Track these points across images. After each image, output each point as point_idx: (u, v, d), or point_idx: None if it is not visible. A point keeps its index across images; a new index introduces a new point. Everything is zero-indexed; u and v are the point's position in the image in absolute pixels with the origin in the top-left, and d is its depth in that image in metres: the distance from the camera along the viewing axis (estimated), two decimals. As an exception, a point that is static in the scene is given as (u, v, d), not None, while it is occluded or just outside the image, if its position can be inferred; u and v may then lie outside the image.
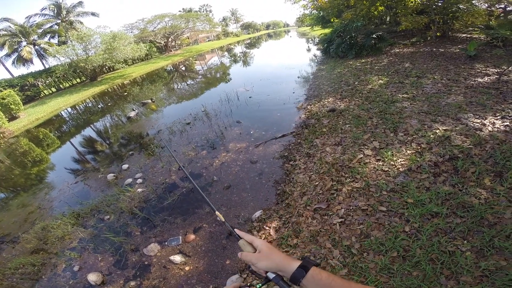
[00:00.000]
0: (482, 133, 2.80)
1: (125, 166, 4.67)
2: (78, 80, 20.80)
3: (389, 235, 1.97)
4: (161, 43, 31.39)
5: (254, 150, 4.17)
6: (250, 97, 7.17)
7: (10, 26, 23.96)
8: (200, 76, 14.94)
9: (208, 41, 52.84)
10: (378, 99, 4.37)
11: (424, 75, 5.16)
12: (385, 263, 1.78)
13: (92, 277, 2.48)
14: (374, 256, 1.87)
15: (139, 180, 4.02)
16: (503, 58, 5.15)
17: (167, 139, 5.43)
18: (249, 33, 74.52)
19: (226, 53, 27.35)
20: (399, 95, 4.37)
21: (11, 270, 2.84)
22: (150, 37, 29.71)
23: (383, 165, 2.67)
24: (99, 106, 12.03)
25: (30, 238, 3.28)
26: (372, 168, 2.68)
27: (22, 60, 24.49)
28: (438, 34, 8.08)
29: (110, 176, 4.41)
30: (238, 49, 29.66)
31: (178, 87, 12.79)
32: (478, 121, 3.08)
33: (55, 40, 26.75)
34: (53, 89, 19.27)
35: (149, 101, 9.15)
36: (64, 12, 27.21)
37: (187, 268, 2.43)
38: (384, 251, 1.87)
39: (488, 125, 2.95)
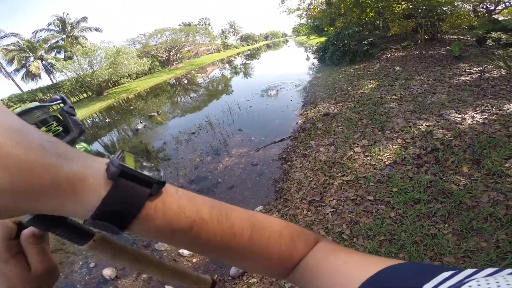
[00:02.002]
0: (462, 126, 3.07)
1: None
2: (85, 95, 21.56)
3: (376, 221, 2.17)
4: (163, 57, 32.46)
5: (255, 154, 4.48)
6: (250, 107, 7.54)
7: (18, 41, 24.75)
8: (203, 89, 15.48)
9: (209, 53, 54.27)
10: (368, 102, 4.68)
11: (412, 77, 5.48)
12: (373, 247, 1.95)
13: (107, 272, 2.67)
14: (363, 241, 2.06)
15: (150, 185, 4.34)
16: (478, 57, 5.48)
17: (174, 148, 5.78)
18: (248, 45, 76.37)
19: (226, 65, 28.14)
20: (388, 97, 4.68)
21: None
22: (152, 51, 30.78)
23: (371, 160, 2.96)
24: (106, 120, 12.52)
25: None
26: (361, 163, 2.96)
27: (31, 75, 25.35)
28: (426, 37, 8.44)
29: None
30: (238, 61, 30.49)
31: (182, 100, 13.30)
32: (459, 116, 3.35)
33: (61, 55, 27.60)
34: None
35: (155, 113, 9.59)
36: (69, 27, 28.15)
37: (194, 259, 2.64)
38: (372, 236, 2.06)
39: (468, 119, 3.22)
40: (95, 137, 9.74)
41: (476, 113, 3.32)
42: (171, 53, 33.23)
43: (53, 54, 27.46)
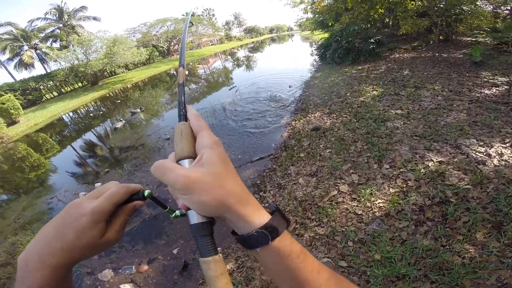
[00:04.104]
0: (486, 167, 2.29)
1: (98, 185, 4.36)
2: (80, 84, 20.94)
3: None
4: (163, 47, 31.50)
5: (227, 174, 3.75)
6: (235, 110, 6.76)
7: (12, 30, 24.16)
8: (197, 83, 14.69)
9: (211, 45, 52.92)
10: (367, 116, 3.88)
11: (423, 85, 4.64)
12: None
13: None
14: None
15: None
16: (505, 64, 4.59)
17: (144, 157, 5.09)
18: (252, 37, 74.41)
19: (229, 57, 27.18)
20: (392, 110, 3.87)
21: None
22: (153, 41, 29.85)
23: (357, 206, 2.21)
24: (91, 115, 11.79)
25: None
26: (343, 210, 2.21)
27: (24, 65, 24.74)
28: (440, 37, 7.49)
29: (82, 195, 4.10)
30: (240, 53, 29.48)
31: (170, 95, 12.55)
32: (483, 150, 2.56)
33: (57, 44, 26.92)
34: (55, 93, 19.46)
35: (138, 110, 8.90)
36: (66, 17, 27.37)
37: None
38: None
39: (494, 156, 2.43)
40: (72, 136, 9.10)
41: (505, 148, 2.52)
42: (172, 43, 32.20)
43: (48, 43, 26.74)
